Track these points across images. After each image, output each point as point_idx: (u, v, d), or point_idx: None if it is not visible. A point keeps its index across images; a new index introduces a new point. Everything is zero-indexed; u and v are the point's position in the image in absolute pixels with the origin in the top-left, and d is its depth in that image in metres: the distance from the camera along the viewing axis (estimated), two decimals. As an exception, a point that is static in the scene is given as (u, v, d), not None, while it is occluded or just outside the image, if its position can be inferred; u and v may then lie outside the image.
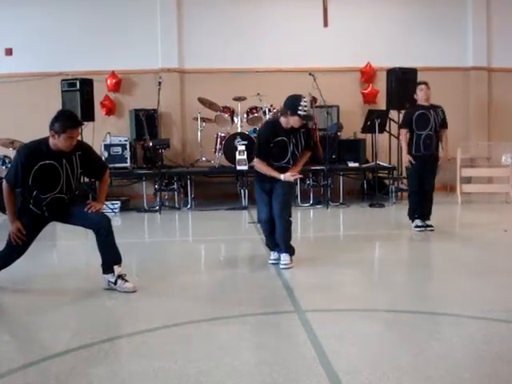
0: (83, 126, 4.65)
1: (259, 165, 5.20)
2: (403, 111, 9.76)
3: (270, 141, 5.12)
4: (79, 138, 4.50)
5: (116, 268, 4.54)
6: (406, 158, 6.90)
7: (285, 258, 5.23)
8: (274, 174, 5.13)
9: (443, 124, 6.95)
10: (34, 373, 3.02)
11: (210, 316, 3.90)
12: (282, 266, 5.19)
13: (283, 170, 5.18)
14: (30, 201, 4.41)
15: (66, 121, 4.22)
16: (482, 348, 3.25)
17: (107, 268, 4.56)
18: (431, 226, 6.92)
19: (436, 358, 3.08)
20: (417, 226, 6.93)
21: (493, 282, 4.67)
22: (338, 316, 3.91)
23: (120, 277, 4.54)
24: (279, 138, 5.13)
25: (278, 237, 5.25)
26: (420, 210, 6.96)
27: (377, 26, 11.27)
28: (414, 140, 6.84)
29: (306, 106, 5.01)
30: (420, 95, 6.89)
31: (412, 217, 7.02)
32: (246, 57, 10.81)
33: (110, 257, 4.55)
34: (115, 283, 4.52)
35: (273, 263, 5.33)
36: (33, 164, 4.25)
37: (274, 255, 5.37)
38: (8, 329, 3.76)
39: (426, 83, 6.92)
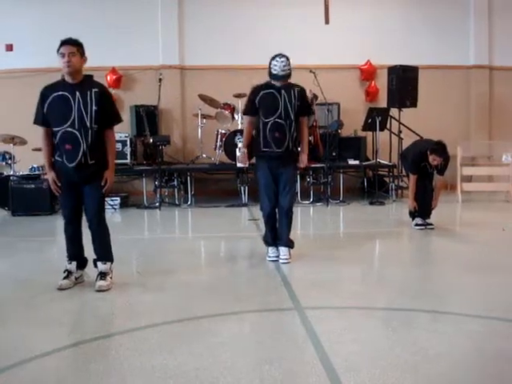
0: None
1: (245, 123, 5.37)
2: (403, 109, 9.86)
3: (257, 95, 5.18)
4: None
5: (99, 264, 4.58)
6: (412, 204, 6.88)
7: (285, 252, 5.23)
8: (244, 142, 5.31)
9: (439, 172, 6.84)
10: (33, 368, 3.02)
11: (209, 313, 3.90)
12: (282, 261, 5.19)
13: (277, 128, 5.14)
14: (55, 147, 4.38)
15: (60, 41, 4.34)
16: (483, 346, 3.25)
17: (94, 261, 4.63)
18: (431, 224, 6.91)
19: (436, 356, 3.07)
20: (417, 225, 6.93)
21: (493, 280, 4.66)
22: (337, 313, 3.90)
23: (101, 274, 4.54)
24: (268, 91, 5.17)
25: (281, 230, 5.24)
26: (420, 208, 6.93)
27: (378, 24, 11.26)
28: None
29: (276, 65, 5.09)
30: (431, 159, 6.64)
31: (412, 215, 7.01)
32: (247, 53, 10.79)
33: (96, 251, 4.60)
34: (96, 279, 4.55)
35: (272, 260, 5.32)
36: (48, 96, 4.31)
37: (273, 251, 5.35)
38: (7, 324, 3.75)
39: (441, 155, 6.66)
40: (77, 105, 4.30)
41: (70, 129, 4.30)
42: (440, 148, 6.58)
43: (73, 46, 4.35)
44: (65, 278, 4.55)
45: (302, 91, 5.30)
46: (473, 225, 7.45)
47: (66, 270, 4.60)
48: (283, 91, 5.15)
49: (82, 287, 4.60)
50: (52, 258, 5.64)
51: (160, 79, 9.78)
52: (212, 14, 11.06)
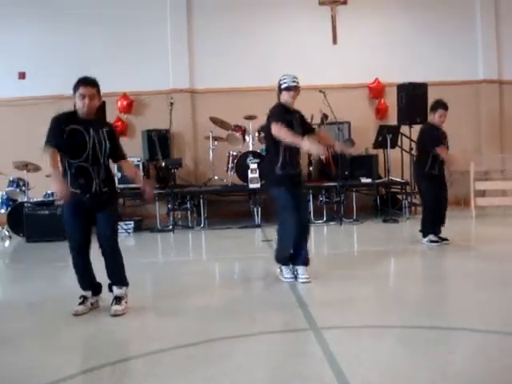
0: None
1: (278, 127, 5.05)
2: (414, 126, 9.86)
3: (284, 117, 5.18)
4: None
5: (115, 289, 4.60)
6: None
7: (304, 271, 5.23)
8: (296, 138, 5.05)
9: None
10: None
11: (224, 335, 3.88)
12: (304, 280, 5.19)
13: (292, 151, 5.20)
14: (66, 175, 4.37)
15: (78, 80, 4.38)
16: (500, 363, 3.21)
17: (109, 286, 4.65)
18: (446, 239, 6.92)
19: (453, 374, 3.04)
20: (431, 241, 6.92)
21: (510, 296, 4.61)
22: (353, 333, 3.88)
23: (116, 298, 4.56)
24: (287, 116, 5.23)
25: (301, 248, 5.24)
26: (435, 223, 6.94)
27: (386, 42, 11.31)
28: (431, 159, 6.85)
29: (286, 78, 5.28)
30: (438, 118, 6.89)
31: (424, 232, 7.02)
32: (257, 75, 10.86)
33: (110, 276, 4.61)
34: (111, 303, 4.56)
35: (289, 281, 5.30)
36: (65, 126, 4.29)
37: (288, 272, 5.34)
38: (21, 350, 3.76)
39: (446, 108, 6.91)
40: (91, 141, 4.37)
41: (83, 163, 4.37)
42: (440, 102, 6.90)
43: (93, 87, 4.40)
44: (80, 304, 4.57)
45: (302, 117, 5.49)
46: (487, 240, 7.39)
47: (82, 295, 4.62)
48: (293, 117, 5.29)
49: (97, 312, 4.60)
50: (66, 284, 5.64)
51: (171, 103, 9.85)
52: (221, 38, 11.16)
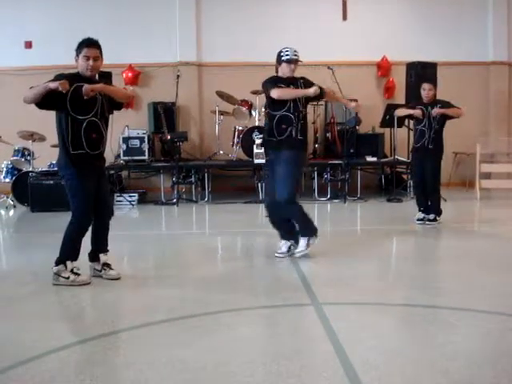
0: None
1: (278, 90, 5.08)
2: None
3: (277, 84, 5.17)
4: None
5: (101, 256, 4.68)
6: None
7: (302, 243, 5.25)
8: (300, 90, 5.15)
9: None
10: (53, 360, 3.05)
11: (226, 307, 3.91)
12: (299, 254, 5.21)
13: (287, 120, 5.18)
14: (74, 133, 4.34)
15: (82, 41, 4.40)
16: (501, 343, 3.23)
17: (94, 256, 4.70)
18: (433, 220, 7.03)
19: (453, 353, 3.06)
20: (418, 219, 7.13)
21: (511, 277, 4.62)
22: (354, 309, 3.90)
23: (105, 264, 4.67)
24: (281, 84, 5.20)
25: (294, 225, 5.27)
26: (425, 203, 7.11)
27: (396, 20, 11.21)
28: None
29: (288, 51, 5.28)
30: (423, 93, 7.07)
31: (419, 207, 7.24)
32: (264, 50, 10.71)
33: (100, 246, 4.69)
34: (100, 270, 4.66)
35: (284, 256, 5.33)
36: (70, 84, 4.21)
37: (285, 245, 5.37)
38: (24, 318, 3.79)
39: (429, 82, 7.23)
40: (100, 96, 4.41)
41: (94, 118, 4.39)
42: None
43: (97, 49, 4.43)
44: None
45: (306, 80, 5.35)
46: (492, 222, 7.39)
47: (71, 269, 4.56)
48: (291, 85, 5.23)
49: (96, 283, 4.62)
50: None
51: (178, 76, 9.81)
52: (229, 11, 11.07)
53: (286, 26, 10.96)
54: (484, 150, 9.95)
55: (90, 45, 4.38)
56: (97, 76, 4.58)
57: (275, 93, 5.06)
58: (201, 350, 3.16)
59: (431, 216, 6.99)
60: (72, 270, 4.51)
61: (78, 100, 4.29)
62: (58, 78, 4.26)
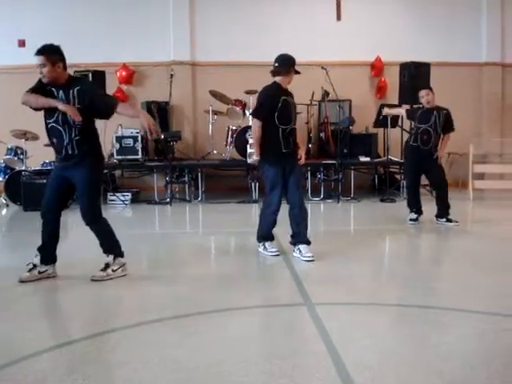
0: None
1: (256, 127, 5.17)
2: (415, 105, 9.82)
3: (278, 100, 5.14)
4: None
5: (104, 256, 4.71)
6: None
7: (307, 249, 5.23)
8: (257, 149, 5.23)
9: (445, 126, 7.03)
10: (46, 359, 3.05)
11: (219, 307, 3.91)
12: (306, 259, 5.17)
13: (290, 134, 5.28)
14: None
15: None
16: (495, 343, 3.24)
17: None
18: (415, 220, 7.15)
19: (447, 353, 3.06)
20: (411, 220, 7.17)
21: (505, 278, 4.64)
22: (347, 309, 3.90)
23: (106, 265, 4.68)
24: (284, 97, 5.20)
25: (298, 226, 5.24)
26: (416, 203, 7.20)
27: (390, 20, 11.23)
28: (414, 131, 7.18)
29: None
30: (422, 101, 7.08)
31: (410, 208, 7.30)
32: (258, 49, 10.77)
33: (101, 245, 4.74)
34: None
35: (275, 255, 5.34)
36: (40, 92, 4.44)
37: (272, 246, 5.43)
38: (21, 317, 3.78)
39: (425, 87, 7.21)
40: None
41: (54, 124, 4.48)
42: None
43: (42, 55, 4.45)
44: (28, 271, 4.62)
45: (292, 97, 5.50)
46: (485, 222, 7.42)
47: (31, 263, 4.67)
48: (289, 97, 5.39)
49: (91, 282, 4.61)
50: (63, 253, 5.65)
51: (171, 75, 9.79)
52: (224, 10, 11.06)
53: (280, 26, 10.96)
54: (477, 151, 9.99)
55: (36, 53, 4.47)
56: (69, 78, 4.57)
57: (254, 124, 5.24)
58: (194, 349, 3.15)
59: (443, 219, 6.99)
60: (30, 264, 4.64)
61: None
62: (38, 84, 4.50)
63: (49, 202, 4.72)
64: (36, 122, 8.91)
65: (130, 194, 9.40)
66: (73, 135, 4.46)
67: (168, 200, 9.09)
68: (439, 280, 4.77)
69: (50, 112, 4.45)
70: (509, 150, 10.68)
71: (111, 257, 4.69)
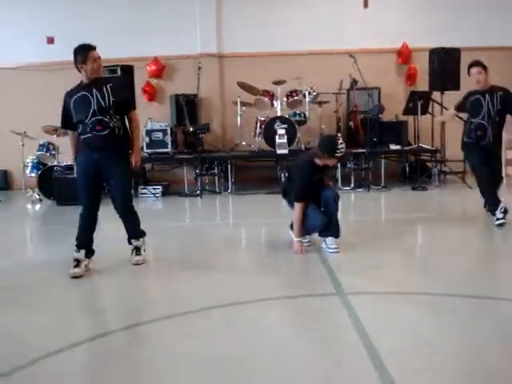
0: None
1: (299, 210, 5.14)
2: (445, 92, 9.66)
3: (311, 180, 5.14)
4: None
5: (133, 241, 5.00)
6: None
7: (332, 241, 5.23)
8: (298, 230, 5.21)
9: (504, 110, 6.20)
10: (82, 351, 3.09)
11: (252, 298, 3.92)
12: (331, 250, 5.17)
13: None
14: (81, 131, 4.81)
15: (83, 48, 4.72)
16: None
17: (128, 239, 5.05)
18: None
19: (480, 343, 3.03)
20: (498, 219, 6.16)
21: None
22: (379, 299, 3.88)
23: (135, 248, 4.98)
24: (315, 178, 5.20)
25: (333, 223, 5.23)
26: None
27: (418, 6, 11.05)
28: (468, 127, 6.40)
29: (342, 147, 5.05)
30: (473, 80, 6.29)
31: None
32: (285, 40, 10.72)
33: (128, 232, 5.02)
34: (131, 254, 4.99)
35: (307, 245, 5.35)
36: (68, 103, 4.82)
37: (304, 237, 5.42)
38: (53, 310, 3.84)
39: (477, 64, 6.24)
40: (95, 99, 4.71)
41: (93, 118, 4.72)
42: (470, 63, 6.34)
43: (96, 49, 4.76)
44: (76, 267, 4.72)
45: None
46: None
47: (75, 259, 4.78)
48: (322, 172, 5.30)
49: (124, 273, 4.66)
50: (98, 245, 5.73)
51: (199, 68, 9.80)
52: (249, 2, 11.01)
53: (307, 16, 10.85)
54: (510, 136, 9.78)
55: (92, 47, 4.76)
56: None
57: (298, 207, 5.14)
58: (226, 341, 3.17)
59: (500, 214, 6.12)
60: (75, 261, 4.78)
61: (77, 107, 4.84)
62: (67, 96, 4.91)
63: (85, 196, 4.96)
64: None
65: (160, 187, 9.46)
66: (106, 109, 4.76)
67: (198, 192, 9.13)
68: (470, 270, 4.70)
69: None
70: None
71: (141, 240, 5.02)
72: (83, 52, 4.65)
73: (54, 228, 7.16)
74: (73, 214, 7.77)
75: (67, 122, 4.92)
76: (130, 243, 5.03)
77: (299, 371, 2.77)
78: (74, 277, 4.58)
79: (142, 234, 5.06)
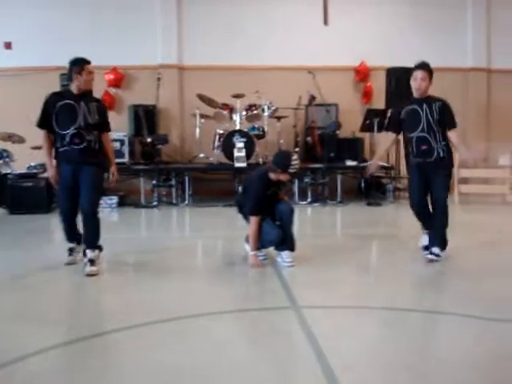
0: None
1: (254, 224, 5.13)
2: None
3: (265, 194, 5.16)
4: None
5: (88, 252, 4.97)
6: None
7: (288, 255, 5.25)
8: (254, 244, 5.19)
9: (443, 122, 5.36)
10: (33, 363, 3.02)
11: (205, 311, 3.90)
12: (287, 264, 5.18)
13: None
14: (58, 144, 4.98)
15: (81, 60, 4.98)
16: (480, 347, 3.25)
17: (84, 250, 5.09)
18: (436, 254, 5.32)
19: (433, 357, 3.08)
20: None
21: (491, 282, 4.67)
22: (334, 313, 3.91)
23: (89, 261, 4.93)
24: (270, 192, 5.21)
25: (289, 237, 5.25)
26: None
27: (376, 25, 11.30)
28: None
29: (296, 163, 5.05)
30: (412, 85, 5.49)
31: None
32: (246, 54, 10.81)
33: (85, 240, 5.06)
34: (84, 265, 4.97)
35: (262, 259, 5.35)
36: (53, 105, 4.96)
37: (260, 251, 5.40)
38: (6, 321, 3.75)
39: (423, 67, 5.53)
40: (82, 110, 4.98)
41: (76, 130, 4.94)
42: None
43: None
44: (69, 255, 5.26)
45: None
46: (470, 227, 7.46)
47: (69, 248, 5.27)
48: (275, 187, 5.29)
49: (75, 286, 4.60)
50: (49, 256, 5.63)
51: (159, 79, 9.78)
52: (211, 14, 11.07)
53: (267, 30, 11.00)
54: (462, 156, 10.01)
55: (88, 61, 5.01)
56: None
57: (253, 220, 5.12)
58: (179, 353, 3.15)
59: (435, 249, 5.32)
60: (69, 250, 5.28)
61: (61, 116, 5.00)
62: (46, 97, 5.06)
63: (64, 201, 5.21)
64: (21, 125, 8.91)
65: (116, 197, 9.37)
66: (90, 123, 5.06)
67: (155, 203, 9.07)
68: (426, 284, 4.78)
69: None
70: (493, 154, 10.75)
71: (97, 251, 5.02)
72: (81, 63, 4.95)
73: (5, 239, 6.98)
74: (25, 224, 7.68)
75: (45, 123, 5.00)
76: (84, 255, 5.01)
77: (252, 385, 2.77)
78: (68, 264, 5.12)
79: (99, 247, 5.07)
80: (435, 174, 5.30)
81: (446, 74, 11.20)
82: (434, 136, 5.33)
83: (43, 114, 5.00)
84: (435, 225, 5.39)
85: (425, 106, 5.42)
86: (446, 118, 5.42)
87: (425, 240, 5.54)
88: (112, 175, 5.32)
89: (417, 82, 5.44)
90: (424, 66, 5.55)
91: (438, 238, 5.36)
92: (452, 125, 5.44)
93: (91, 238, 5.01)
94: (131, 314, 3.89)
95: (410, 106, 5.49)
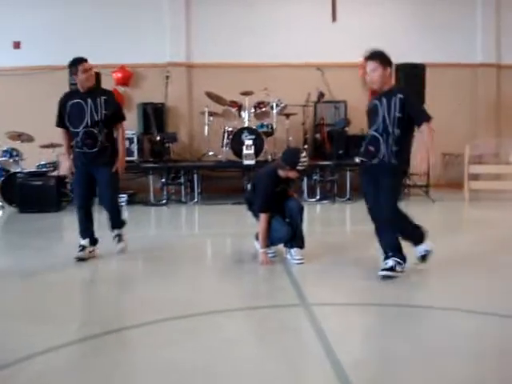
0: None
1: (264, 221, 5.10)
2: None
3: (274, 191, 5.15)
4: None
5: (115, 230, 5.59)
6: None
7: (297, 252, 5.24)
8: (263, 241, 5.17)
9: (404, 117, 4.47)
10: (41, 362, 3.03)
11: (216, 308, 3.90)
12: (296, 261, 5.18)
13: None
14: (74, 142, 5.25)
15: (75, 61, 5.15)
16: (493, 343, 3.25)
17: (111, 227, 5.61)
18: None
19: (442, 352, 3.06)
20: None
21: (496, 278, 4.65)
22: (343, 310, 3.91)
23: (117, 236, 5.59)
24: (278, 189, 5.21)
25: (298, 235, 5.26)
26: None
27: (385, 21, 11.24)
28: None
29: (304, 160, 5.03)
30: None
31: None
32: (254, 51, 10.79)
33: (111, 220, 5.58)
34: (114, 240, 5.61)
35: (271, 256, 5.34)
36: (64, 105, 5.22)
37: (269, 248, 5.40)
38: (15, 319, 3.77)
39: (372, 57, 4.74)
40: (89, 108, 5.14)
41: (86, 129, 5.17)
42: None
43: (87, 61, 5.20)
44: (80, 251, 5.33)
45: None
46: (480, 223, 7.42)
47: (81, 245, 5.37)
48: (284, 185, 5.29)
49: (87, 284, 4.61)
50: (58, 255, 5.65)
51: (167, 77, 9.78)
52: (219, 12, 11.06)
53: (275, 28, 10.98)
54: (472, 152, 9.99)
55: (83, 59, 5.16)
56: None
57: (263, 217, 5.11)
58: (189, 350, 3.15)
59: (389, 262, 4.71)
60: (81, 246, 5.41)
61: (71, 114, 5.25)
62: (65, 97, 5.30)
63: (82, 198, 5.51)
64: (31, 124, 8.97)
65: (125, 195, 9.39)
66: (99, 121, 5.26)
67: (164, 201, 9.08)
68: (433, 281, 4.76)
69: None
70: (504, 150, 10.70)
71: (119, 230, 5.59)
72: (75, 63, 5.11)
73: (14, 237, 7.02)
74: (35, 222, 7.71)
75: (61, 122, 5.29)
76: (112, 230, 5.59)
77: (262, 383, 2.77)
78: (79, 259, 5.21)
79: (123, 223, 5.70)
80: (381, 176, 4.65)
81: (456, 70, 11.17)
82: (386, 139, 4.54)
83: (58, 114, 5.27)
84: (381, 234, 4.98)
85: (384, 100, 4.57)
86: (410, 112, 4.45)
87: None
88: (119, 170, 5.52)
89: (369, 75, 4.65)
90: (373, 56, 4.68)
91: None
92: (420, 119, 4.44)
93: (115, 219, 5.54)
94: (142, 311, 3.90)
95: (373, 100, 4.81)
